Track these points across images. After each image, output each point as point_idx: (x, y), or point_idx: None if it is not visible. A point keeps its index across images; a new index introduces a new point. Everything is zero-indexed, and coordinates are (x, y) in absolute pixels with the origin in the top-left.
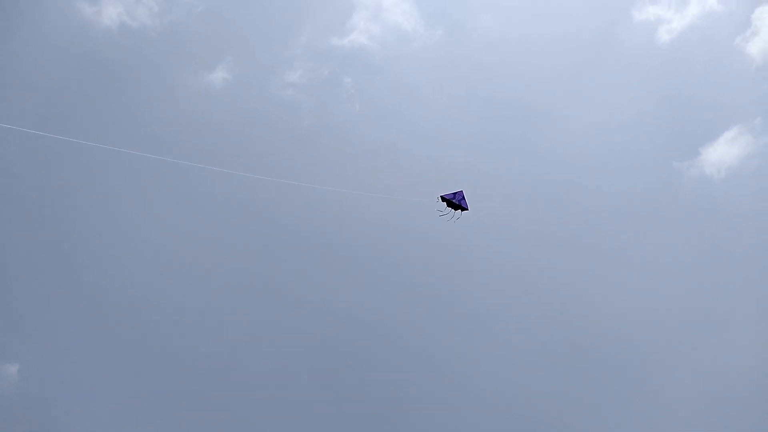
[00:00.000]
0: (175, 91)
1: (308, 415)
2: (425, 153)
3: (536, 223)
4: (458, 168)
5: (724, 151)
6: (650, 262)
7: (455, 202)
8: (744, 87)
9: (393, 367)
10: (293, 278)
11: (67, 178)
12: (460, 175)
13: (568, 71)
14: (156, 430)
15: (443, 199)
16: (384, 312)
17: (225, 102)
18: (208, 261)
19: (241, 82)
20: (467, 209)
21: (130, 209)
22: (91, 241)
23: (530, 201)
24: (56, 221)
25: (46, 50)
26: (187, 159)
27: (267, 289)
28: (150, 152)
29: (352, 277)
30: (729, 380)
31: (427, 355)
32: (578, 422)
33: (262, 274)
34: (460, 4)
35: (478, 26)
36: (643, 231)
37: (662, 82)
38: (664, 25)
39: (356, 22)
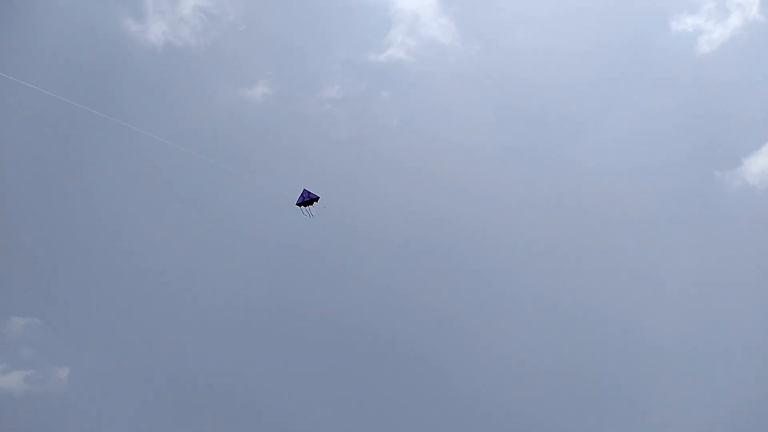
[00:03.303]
0: (216, 106)
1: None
2: (463, 167)
3: (575, 239)
4: (496, 182)
5: (766, 162)
6: (692, 271)
7: (307, 199)
8: None
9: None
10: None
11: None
12: (495, 188)
13: (606, 84)
14: None
15: (299, 204)
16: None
17: (264, 116)
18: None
19: (280, 97)
20: (318, 197)
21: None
22: (141, 243)
23: (569, 216)
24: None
25: (95, 66)
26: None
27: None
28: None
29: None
30: None
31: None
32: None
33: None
34: (497, 19)
35: (514, 41)
36: (686, 240)
37: (702, 92)
38: (703, 36)
39: (393, 36)
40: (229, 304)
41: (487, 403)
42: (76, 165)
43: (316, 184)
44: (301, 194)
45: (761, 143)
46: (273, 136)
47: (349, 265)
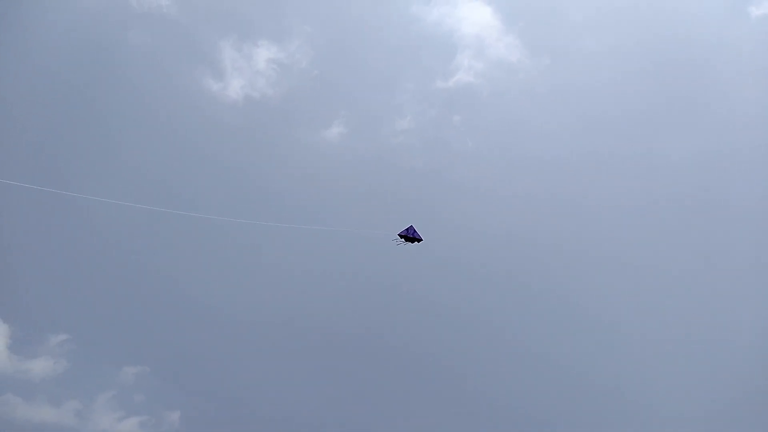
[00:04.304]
0: (295, 150)
1: None
2: (541, 183)
3: (675, 237)
4: (580, 192)
5: None
6: None
7: (409, 236)
8: None
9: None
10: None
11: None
12: (581, 200)
13: (685, 80)
14: None
15: (400, 235)
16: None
17: (342, 155)
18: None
19: (355, 135)
20: (421, 240)
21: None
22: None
23: (666, 221)
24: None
25: (182, 126)
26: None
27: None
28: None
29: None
30: None
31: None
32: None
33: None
34: (563, 28)
35: (584, 47)
36: None
37: None
38: None
39: (460, 61)
40: (332, 346)
41: (495, 400)
42: (183, 226)
43: (396, 215)
44: (408, 228)
45: None
46: (351, 173)
47: (442, 297)
